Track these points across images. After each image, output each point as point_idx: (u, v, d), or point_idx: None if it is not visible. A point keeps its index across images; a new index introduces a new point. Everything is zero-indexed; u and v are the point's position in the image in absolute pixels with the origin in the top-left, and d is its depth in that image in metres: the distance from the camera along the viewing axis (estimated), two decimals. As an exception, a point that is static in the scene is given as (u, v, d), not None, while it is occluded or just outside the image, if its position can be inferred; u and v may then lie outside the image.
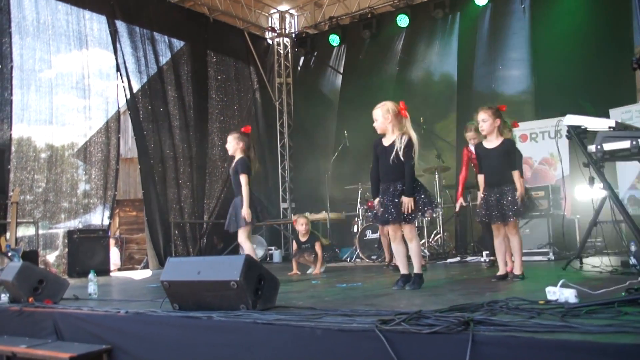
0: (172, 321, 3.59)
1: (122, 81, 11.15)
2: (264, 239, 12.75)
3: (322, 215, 11.42)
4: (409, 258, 5.11)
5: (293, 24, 15.11)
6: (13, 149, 9.45)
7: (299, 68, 14.99)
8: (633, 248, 5.68)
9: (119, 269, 13.13)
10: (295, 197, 14.52)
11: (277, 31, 14.83)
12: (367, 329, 2.70)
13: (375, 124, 5.14)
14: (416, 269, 4.98)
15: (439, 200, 10.00)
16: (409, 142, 4.92)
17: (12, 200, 8.73)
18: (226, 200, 11.35)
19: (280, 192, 14.57)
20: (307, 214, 8.33)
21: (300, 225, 7.95)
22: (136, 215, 16.86)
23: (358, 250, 10.25)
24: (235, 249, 11.07)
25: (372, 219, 5.34)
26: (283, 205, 14.48)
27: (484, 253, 8.00)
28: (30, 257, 8.45)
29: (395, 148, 4.92)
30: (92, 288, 5.35)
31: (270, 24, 14.83)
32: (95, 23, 10.93)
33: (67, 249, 9.94)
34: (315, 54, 14.57)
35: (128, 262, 14.48)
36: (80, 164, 10.85)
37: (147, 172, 11.42)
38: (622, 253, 6.65)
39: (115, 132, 11.06)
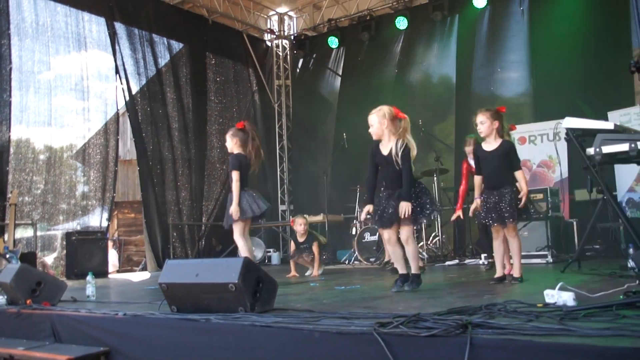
0: (170, 323, 3.59)
1: (121, 83, 11.14)
2: (262, 241, 12.74)
3: (321, 217, 11.42)
4: (406, 260, 5.11)
5: (292, 26, 15.11)
6: (12, 150, 9.44)
7: (298, 70, 14.99)
8: (631, 251, 5.69)
9: (118, 271, 13.11)
10: (294, 199, 14.52)
11: (276, 33, 14.83)
12: (365, 332, 2.70)
13: (371, 130, 5.06)
14: (413, 270, 4.99)
15: (437, 202, 10.01)
16: (406, 147, 4.89)
17: (11, 202, 8.72)
18: (225, 202, 11.34)
19: (279, 194, 14.56)
20: (305, 215, 8.32)
21: (299, 225, 7.94)
22: (134, 217, 16.84)
23: (356, 252, 10.25)
24: (234, 251, 11.05)
25: (373, 222, 5.31)
26: (282, 207, 14.48)
27: (483, 256, 8.01)
28: (29, 258, 8.44)
29: (393, 154, 4.90)
30: (90, 290, 5.34)
31: (269, 26, 14.82)
32: (94, 25, 10.93)
33: (65, 251, 9.92)
34: (314, 56, 14.56)
35: (126, 264, 14.45)
36: (79, 165, 10.84)
37: (145, 174, 11.41)
38: (620, 256, 6.65)
39: (114, 134, 11.05)
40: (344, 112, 13.15)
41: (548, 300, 3.27)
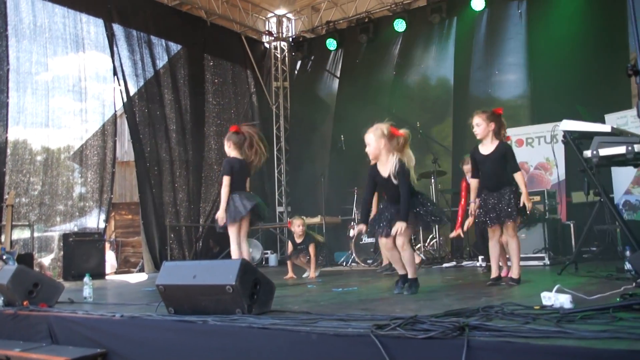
0: (167, 325, 3.58)
1: (119, 84, 11.14)
2: (260, 242, 12.75)
3: (318, 219, 11.42)
4: None
5: (290, 28, 15.11)
6: (9, 151, 9.43)
7: (296, 72, 14.99)
8: (628, 253, 5.70)
9: (116, 272, 13.11)
10: (292, 201, 14.53)
11: (274, 35, 14.84)
12: (362, 334, 2.70)
13: (367, 149, 4.97)
14: (410, 275, 4.98)
15: (435, 204, 10.01)
16: (402, 165, 4.83)
17: (8, 203, 8.71)
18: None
19: (277, 196, 14.57)
20: (302, 217, 8.33)
21: (297, 226, 7.94)
22: (132, 218, 16.82)
23: (354, 254, 10.25)
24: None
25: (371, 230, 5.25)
26: (279, 209, 14.48)
27: (480, 258, 8.01)
28: (26, 260, 8.41)
29: (391, 175, 4.85)
30: (87, 291, 5.34)
31: (267, 28, 14.83)
32: (92, 26, 10.92)
33: (62, 252, 9.92)
34: (312, 58, 14.57)
35: (123, 266, 14.43)
36: (76, 167, 10.83)
37: (143, 176, 11.41)
38: (617, 258, 6.66)
39: (112, 135, 11.05)
40: (342, 114, 13.16)
41: (545, 302, 3.28)
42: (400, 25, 12.60)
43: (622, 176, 9.13)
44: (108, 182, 10.85)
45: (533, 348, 2.29)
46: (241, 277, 3.55)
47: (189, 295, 3.77)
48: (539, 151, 10.28)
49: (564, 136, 6.10)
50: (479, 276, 6.83)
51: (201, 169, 12.64)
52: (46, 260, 10.18)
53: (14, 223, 8.87)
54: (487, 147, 5.46)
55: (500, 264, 5.75)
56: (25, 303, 4.59)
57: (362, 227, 5.08)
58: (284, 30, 15.05)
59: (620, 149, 5.19)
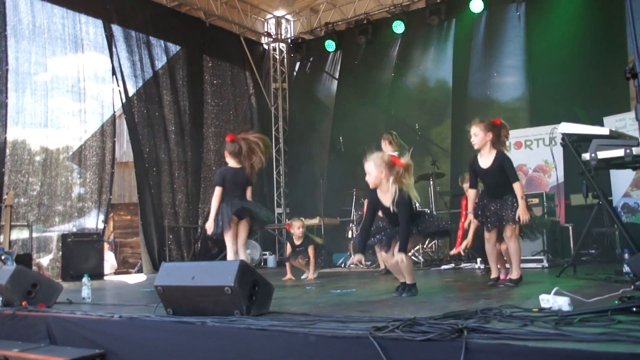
0: (165, 326, 3.58)
1: (118, 85, 11.15)
2: (258, 244, 12.74)
3: (317, 220, 11.41)
4: None
5: (289, 30, 15.13)
6: (7, 151, 9.44)
7: (295, 73, 15.00)
8: (627, 256, 5.70)
9: (116, 272, 13.12)
10: (290, 202, 14.53)
11: (273, 36, 14.85)
12: (360, 336, 2.71)
13: (367, 178, 4.88)
14: (409, 282, 4.98)
15: (433, 206, 10.02)
16: (402, 195, 4.74)
17: (6, 203, 8.71)
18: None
19: (275, 197, 14.57)
20: (302, 218, 8.33)
21: (297, 228, 7.95)
22: (130, 219, 16.81)
23: (352, 256, 10.24)
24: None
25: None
26: (278, 210, 14.48)
27: (478, 260, 8.01)
28: (24, 260, 8.41)
29: (392, 203, 4.78)
30: (85, 292, 5.34)
31: (266, 29, 14.85)
32: (91, 27, 10.93)
33: (61, 253, 9.91)
34: (311, 59, 14.58)
35: (122, 266, 14.43)
36: (75, 167, 10.83)
37: (142, 176, 11.42)
38: (615, 261, 6.66)
39: (111, 136, 11.06)
40: (341, 116, 13.17)
41: (543, 305, 3.28)
42: (398, 27, 12.61)
43: (620, 179, 9.14)
44: (107, 182, 10.85)
45: (531, 350, 2.29)
46: (240, 278, 3.55)
47: (188, 296, 3.77)
48: (538, 153, 10.29)
49: (563, 139, 6.10)
50: (478, 278, 6.83)
51: (200, 170, 12.65)
52: (45, 260, 10.17)
53: (12, 223, 8.86)
54: (485, 159, 5.43)
55: (499, 266, 5.76)
56: (23, 303, 4.59)
57: (361, 257, 4.96)
58: (283, 31, 15.07)
59: (619, 152, 5.20)
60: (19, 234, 9.83)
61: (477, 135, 5.39)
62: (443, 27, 12.33)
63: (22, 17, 9.81)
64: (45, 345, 4.07)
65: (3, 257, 8.05)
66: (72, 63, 10.62)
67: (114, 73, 11.10)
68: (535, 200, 8.46)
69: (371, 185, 4.91)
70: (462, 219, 7.52)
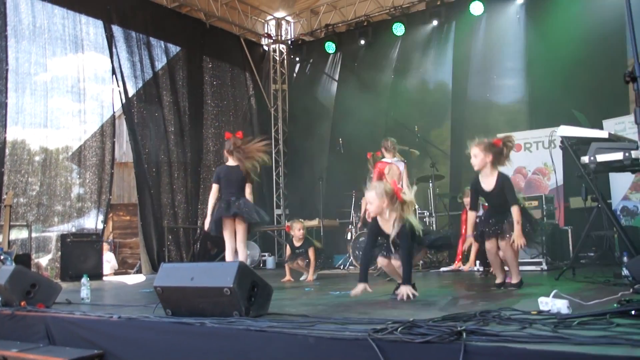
0: (164, 327, 3.58)
1: (118, 85, 11.16)
2: (257, 245, 12.74)
3: (316, 222, 11.41)
4: None
5: (289, 31, 15.14)
6: (7, 151, 9.44)
7: (295, 75, 15.01)
8: (626, 259, 5.70)
9: (116, 273, 13.12)
10: (289, 204, 14.52)
11: (273, 38, 14.86)
12: (359, 338, 2.71)
13: (369, 207, 4.87)
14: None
15: (432, 208, 10.02)
16: (404, 226, 4.71)
17: (6, 203, 8.71)
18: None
19: (275, 199, 14.57)
20: (302, 220, 8.33)
21: (297, 230, 7.95)
22: (130, 219, 16.81)
23: (351, 257, 10.24)
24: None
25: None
26: (277, 212, 14.48)
27: (477, 262, 8.01)
28: (23, 260, 8.41)
29: (393, 231, 4.76)
30: (84, 292, 5.34)
31: (266, 31, 14.86)
32: (92, 27, 10.94)
33: (60, 253, 9.91)
34: (311, 61, 14.60)
35: (121, 267, 14.42)
36: (75, 167, 10.83)
37: (141, 177, 11.43)
38: (614, 264, 6.66)
39: (110, 136, 11.06)
40: (341, 117, 13.17)
41: (542, 307, 3.28)
42: (399, 29, 12.62)
43: (620, 182, 9.14)
44: (107, 183, 10.86)
45: (530, 353, 2.29)
46: (239, 279, 3.56)
47: (187, 297, 3.77)
48: (537, 156, 10.29)
49: (562, 142, 6.11)
50: (477, 280, 6.84)
51: (199, 171, 12.66)
52: (44, 260, 10.17)
53: (11, 223, 8.86)
54: (487, 181, 5.43)
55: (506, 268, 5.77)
56: (22, 303, 4.59)
57: (364, 287, 4.79)
58: (283, 33, 15.08)
59: (618, 155, 5.21)
60: (18, 234, 9.83)
61: (477, 156, 5.39)
62: (443, 29, 12.34)
63: (23, 17, 9.82)
64: (44, 346, 4.07)
65: (2, 257, 8.05)
66: (72, 63, 10.63)
67: (114, 73, 11.11)
68: (535, 203, 8.47)
69: (372, 214, 4.90)
70: (463, 231, 7.51)
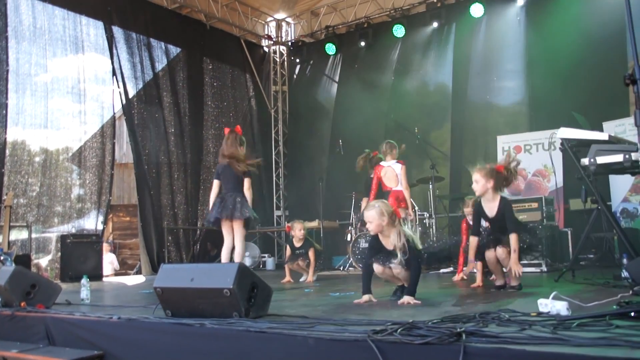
0: (164, 328, 3.58)
1: (118, 86, 11.16)
2: (257, 246, 12.74)
3: (316, 223, 11.41)
4: None
5: (289, 32, 15.15)
6: (7, 152, 9.44)
7: (295, 76, 15.02)
8: (625, 261, 5.70)
9: (116, 273, 13.13)
10: (289, 205, 14.53)
11: (274, 39, 14.87)
12: (359, 339, 2.71)
13: (369, 226, 4.88)
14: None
15: (432, 210, 10.02)
16: (412, 252, 4.72)
17: (6, 204, 8.71)
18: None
19: (274, 200, 14.57)
20: (302, 222, 8.33)
21: (298, 230, 7.95)
22: (130, 220, 16.82)
23: (351, 258, 10.24)
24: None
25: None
26: (277, 213, 14.48)
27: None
28: (23, 261, 8.41)
29: (397, 249, 4.76)
30: (84, 293, 5.33)
31: (266, 32, 14.87)
32: (92, 28, 10.95)
33: (60, 254, 9.90)
34: (311, 62, 14.61)
35: (121, 268, 14.43)
36: (75, 168, 10.83)
37: (141, 178, 11.43)
38: (614, 266, 6.66)
39: (110, 137, 11.06)
40: (341, 119, 13.18)
41: (542, 309, 3.28)
42: (399, 31, 12.64)
43: (620, 184, 9.14)
44: (107, 184, 10.85)
45: (529, 355, 2.29)
46: (239, 280, 3.56)
47: (187, 298, 3.77)
48: (537, 158, 10.30)
49: (562, 144, 6.12)
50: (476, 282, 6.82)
51: (199, 172, 12.66)
52: (44, 261, 10.16)
53: (11, 224, 8.85)
54: (490, 206, 5.49)
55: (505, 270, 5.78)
56: (22, 304, 4.58)
57: (369, 297, 4.81)
58: (283, 34, 15.09)
59: (618, 157, 5.21)
60: (18, 235, 9.82)
61: (479, 182, 5.43)
62: (443, 31, 12.35)
63: (23, 18, 9.82)
64: (44, 346, 4.07)
65: (2, 258, 8.05)
66: (73, 64, 10.64)
67: (114, 74, 11.12)
68: (534, 205, 8.48)
69: (372, 233, 4.91)
70: (463, 240, 7.52)
